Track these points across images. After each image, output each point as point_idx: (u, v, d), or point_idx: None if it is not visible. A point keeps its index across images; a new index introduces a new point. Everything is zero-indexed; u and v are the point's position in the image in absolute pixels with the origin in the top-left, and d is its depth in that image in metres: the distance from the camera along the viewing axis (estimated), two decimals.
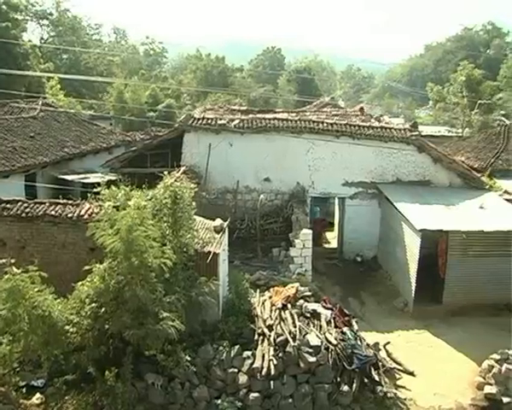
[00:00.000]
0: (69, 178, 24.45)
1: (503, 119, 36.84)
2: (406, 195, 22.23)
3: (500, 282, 19.26)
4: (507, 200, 24.31)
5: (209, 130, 23.42)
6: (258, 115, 25.18)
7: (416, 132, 24.34)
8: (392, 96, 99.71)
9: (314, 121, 24.04)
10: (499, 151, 30.81)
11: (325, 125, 23.73)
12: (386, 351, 16.79)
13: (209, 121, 23.69)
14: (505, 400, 15.33)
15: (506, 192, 26.31)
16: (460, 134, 45.28)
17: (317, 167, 23.68)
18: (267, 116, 24.80)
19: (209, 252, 14.69)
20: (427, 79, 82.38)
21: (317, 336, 14.88)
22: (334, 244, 26.04)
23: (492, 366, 15.91)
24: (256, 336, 14.95)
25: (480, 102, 50.96)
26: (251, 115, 25.17)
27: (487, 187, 24.67)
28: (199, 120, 23.79)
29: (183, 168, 21.96)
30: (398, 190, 22.95)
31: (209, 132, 23.45)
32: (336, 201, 25.95)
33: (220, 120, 23.86)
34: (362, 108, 29.21)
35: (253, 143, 23.49)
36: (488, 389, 15.62)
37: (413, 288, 19.53)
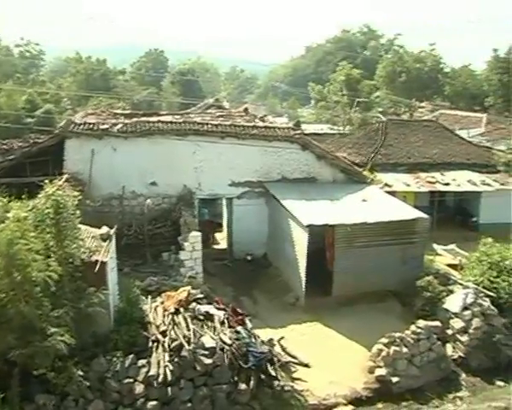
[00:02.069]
0: None
1: (380, 116, 38.71)
2: (292, 192, 22.76)
3: (384, 270, 20.31)
4: (387, 192, 25.62)
5: (91, 135, 22.67)
6: (142, 119, 24.71)
7: (300, 131, 25.02)
8: (275, 96, 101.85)
9: (199, 123, 23.97)
10: (378, 146, 32.35)
11: (210, 126, 23.75)
12: (281, 346, 17.10)
13: (91, 126, 22.95)
14: (394, 379, 16.31)
15: (386, 185, 27.74)
16: (341, 131, 46.94)
17: (204, 169, 23.65)
18: (151, 119, 24.40)
19: (96, 261, 14.25)
20: (309, 78, 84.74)
21: (212, 337, 14.90)
22: (223, 245, 26.13)
23: (381, 350, 16.76)
24: (150, 344, 14.75)
25: (358, 100, 53.16)
26: (134, 119, 24.63)
27: (369, 181, 25.84)
28: (80, 125, 22.98)
29: (65, 176, 21.10)
30: (284, 188, 23.45)
31: (91, 138, 22.70)
32: (224, 201, 26.08)
33: (103, 124, 23.19)
34: (246, 109, 29.47)
35: (138, 148, 23.05)
36: (379, 372, 16.48)
37: (303, 282, 20.03)
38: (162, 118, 24.94)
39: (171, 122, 23.84)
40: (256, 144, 23.69)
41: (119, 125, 23.11)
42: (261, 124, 25.27)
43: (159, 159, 23.15)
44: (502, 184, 30.96)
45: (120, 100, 56.62)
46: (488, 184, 30.75)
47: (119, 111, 29.84)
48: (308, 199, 22.10)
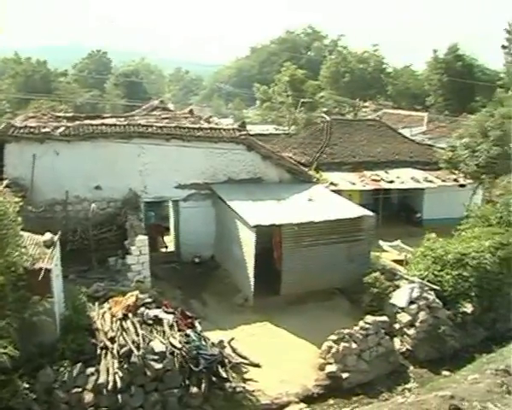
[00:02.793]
0: None
1: (324, 116, 39.16)
2: (239, 193, 22.76)
3: (331, 267, 20.57)
4: (333, 191, 25.95)
5: (32, 139, 22.03)
6: (85, 122, 24.18)
7: (245, 132, 24.99)
8: (220, 97, 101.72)
9: (143, 125, 23.65)
10: (323, 146, 32.81)
11: (155, 128, 23.47)
12: (231, 347, 17.05)
13: (32, 130, 22.27)
14: (344, 375, 16.55)
15: (332, 184, 28.11)
16: (287, 131, 47.24)
17: (149, 172, 23.35)
18: (94, 122, 23.91)
19: (40, 268, 13.84)
20: (254, 79, 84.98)
21: (162, 342, 14.72)
22: (171, 248, 25.91)
23: (331, 347, 16.96)
24: (98, 351, 14.43)
25: (303, 100, 53.63)
26: (77, 122, 24.08)
27: (314, 180, 26.09)
28: (20, 128, 22.26)
29: (5, 182, 20.47)
30: (231, 189, 23.43)
31: (33, 142, 22.04)
32: (170, 204, 25.86)
33: (44, 128, 22.55)
34: (191, 110, 29.30)
35: (81, 151, 22.55)
36: (329, 369, 16.68)
37: (252, 283, 20.06)
38: (106, 121, 24.50)
39: (114, 125, 23.45)
40: (201, 146, 23.59)
41: (62, 129, 22.56)
42: (206, 125, 25.16)
43: (103, 162, 22.73)
44: (443, 181, 31.90)
45: (62, 103, 55.39)
46: (431, 181, 31.60)
47: (61, 114, 29.08)
48: (255, 199, 22.15)
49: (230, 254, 22.29)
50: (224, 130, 24.72)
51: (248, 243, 20.26)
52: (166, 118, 25.98)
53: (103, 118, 25.86)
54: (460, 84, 72.25)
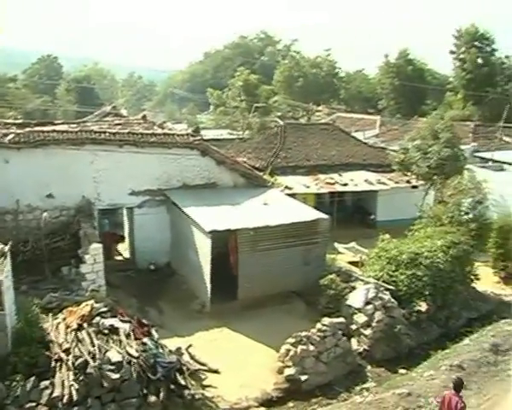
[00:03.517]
0: None
1: (278, 120, 39.41)
2: (193, 198, 22.64)
3: (288, 271, 20.67)
4: (288, 195, 26.10)
5: None
6: (36, 128, 23.62)
7: (199, 137, 24.90)
8: (174, 102, 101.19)
9: (96, 132, 23.24)
10: (277, 150, 33.00)
11: (107, 134, 23.11)
12: (189, 354, 16.93)
13: None
14: (303, 378, 16.60)
15: (286, 188, 28.26)
16: (241, 136, 47.31)
17: (102, 179, 22.95)
18: (45, 129, 23.38)
19: None
20: (208, 84, 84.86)
21: (118, 351, 14.46)
22: (126, 256, 25.57)
23: (289, 350, 17.00)
24: (53, 363, 14.04)
25: (256, 105, 53.83)
26: (27, 129, 23.50)
27: (269, 184, 26.19)
28: None
29: None
30: (186, 195, 23.28)
31: None
32: (125, 211, 25.52)
33: None
34: (144, 116, 29.03)
35: (32, 159, 22.00)
36: (288, 372, 16.71)
37: (208, 288, 19.96)
38: (57, 127, 24.01)
39: (66, 131, 22.98)
40: (155, 152, 23.37)
41: (11, 136, 21.97)
42: (160, 131, 24.99)
43: (55, 170, 22.23)
44: (396, 183, 32.50)
45: (11, 109, 54.19)
46: (384, 183, 32.13)
47: (10, 121, 28.47)
48: (210, 205, 22.06)
49: (186, 261, 22.13)
50: (178, 135, 24.57)
51: (204, 249, 20.16)
52: (119, 124, 25.71)
53: (55, 124, 25.36)
54: (411, 88, 73.79)
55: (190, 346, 17.26)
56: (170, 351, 15.79)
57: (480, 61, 74.62)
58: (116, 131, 23.61)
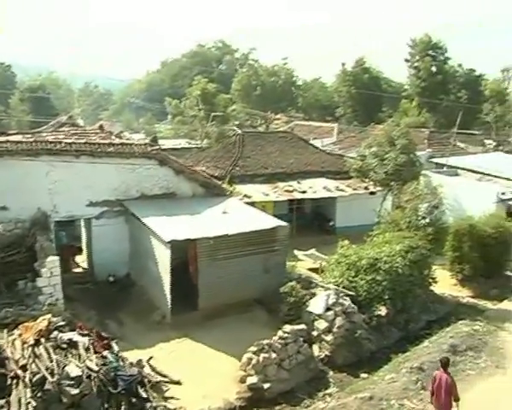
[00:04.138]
0: None
1: (235, 129, 39.48)
2: (152, 209, 22.43)
3: (248, 279, 20.68)
4: (247, 203, 26.12)
5: None
6: None
7: (157, 147, 24.72)
8: (131, 111, 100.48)
9: (51, 142, 22.78)
10: (236, 159, 33.01)
11: (63, 145, 22.69)
12: (151, 366, 16.71)
13: None
14: (266, 386, 16.54)
15: (245, 196, 28.29)
16: (199, 145, 47.24)
17: (59, 190, 22.48)
18: None
19: None
20: (165, 93, 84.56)
21: (77, 366, 14.15)
22: (84, 267, 25.13)
23: (251, 358, 16.92)
24: (9, 381, 13.68)
25: (214, 114, 53.87)
26: None
27: (228, 193, 26.17)
28: None
29: None
30: (144, 205, 23.05)
31: None
32: (82, 223, 25.11)
33: None
34: (101, 126, 28.66)
35: None
36: (250, 380, 16.62)
37: (169, 299, 19.78)
38: (11, 138, 23.42)
39: (21, 142, 22.44)
40: (112, 162, 23.09)
41: None
42: (117, 141, 24.69)
43: (9, 181, 21.68)
44: (354, 189, 32.88)
45: None
46: (342, 190, 32.47)
47: None
48: (169, 215, 21.89)
49: (146, 271, 21.90)
50: (136, 145, 24.34)
51: (164, 259, 19.98)
52: (76, 134, 25.25)
53: (8, 135, 24.78)
54: (367, 96, 75.05)
55: (151, 358, 17.04)
56: (131, 364, 15.56)
57: (433, 69, 76.53)
58: (72, 142, 23.22)
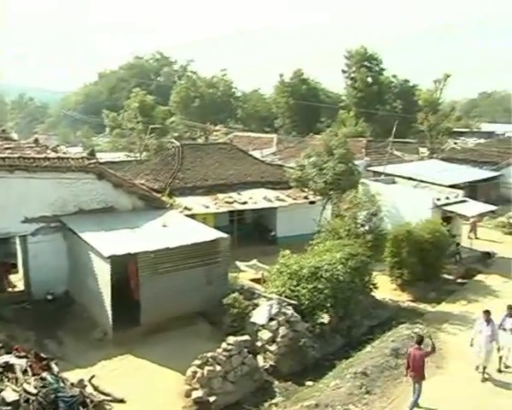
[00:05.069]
0: None
1: (174, 141, 39.31)
2: (91, 224, 21.93)
3: (190, 292, 20.56)
4: (187, 215, 25.97)
5: None
6: None
7: (95, 160, 24.21)
8: (68, 124, 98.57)
9: None
10: (175, 171, 32.88)
11: None
12: (93, 385, 16.29)
13: None
14: (211, 399, 16.43)
15: (186, 208, 28.14)
16: (138, 158, 46.81)
17: None
18: None
19: None
20: (103, 106, 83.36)
21: (14, 390, 13.70)
22: (20, 287, 24.28)
23: (196, 372, 16.79)
24: None
25: (153, 126, 53.50)
26: None
27: (168, 206, 25.93)
28: None
29: None
30: (82, 220, 22.50)
31: None
32: (17, 240, 24.28)
33: None
34: (36, 140, 27.88)
35: None
36: (195, 394, 16.50)
37: (110, 315, 19.36)
38: None
39: None
40: (49, 177, 22.46)
41: None
42: (53, 155, 24.01)
43: None
44: (294, 199, 33.22)
45: None
46: (282, 200, 32.75)
47: None
48: (108, 229, 21.48)
49: (86, 288, 21.37)
50: (73, 159, 23.76)
51: (103, 275, 19.56)
52: (9, 148, 24.44)
53: None
54: (306, 107, 76.21)
55: (93, 377, 16.61)
56: (72, 384, 15.14)
57: (369, 80, 78.52)
58: (6, 156, 22.43)
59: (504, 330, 18.42)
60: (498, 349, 18.27)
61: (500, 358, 18.62)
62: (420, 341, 16.40)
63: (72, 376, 15.95)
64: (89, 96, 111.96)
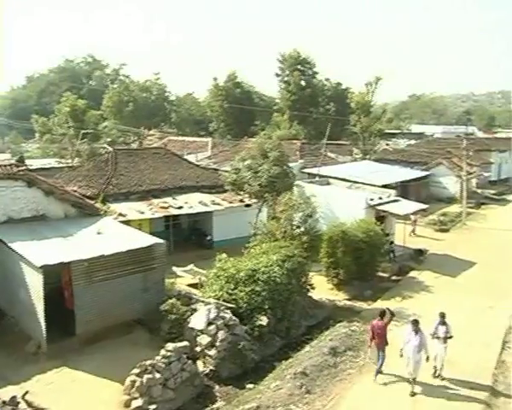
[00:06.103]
0: None
1: (106, 146, 38.67)
2: (21, 233, 21.24)
3: (127, 300, 20.29)
4: (122, 222, 25.55)
5: None
6: None
7: (24, 167, 23.51)
8: None
9: None
10: (109, 177, 32.28)
11: None
12: (26, 401, 15.71)
13: None
14: (151, 407, 16.19)
15: (120, 215, 27.68)
16: (70, 164, 45.71)
17: None
18: None
19: None
20: (32, 110, 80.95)
21: None
22: None
23: (134, 381, 16.50)
24: None
25: (85, 131, 52.44)
26: None
27: (102, 213, 25.44)
28: None
29: None
30: (12, 230, 21.74)
31: None
32: None
33: None
34: None
35: None
36: (135, 404, 16.22)
37: (43, 327, 18.75)
38: None
39: None
40: None
41: None
42: None
43: None
44: (230, 203, 33.30)
45: None
46: (218, 204, 32.74)
47: None
48: (39, 238, 20.88)
49: (17, 300, 20.64)
50: (0, 166, 22.99)
51: (36, 286, 18.96)
52: None
53: None
54: (240, 110, 76.50)
55: (27, 392, 16.03)
56: (3, 402, 14.62)
57: (303, 83, 79.62)
58: None
59: (438, 338, 18.23)
60: (428, 359, 17.64)
61: (434, 367, 18.48)
62: (382, 314, 18.46)
63: (5, 393, 15.43)
64: (17, 100, 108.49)
